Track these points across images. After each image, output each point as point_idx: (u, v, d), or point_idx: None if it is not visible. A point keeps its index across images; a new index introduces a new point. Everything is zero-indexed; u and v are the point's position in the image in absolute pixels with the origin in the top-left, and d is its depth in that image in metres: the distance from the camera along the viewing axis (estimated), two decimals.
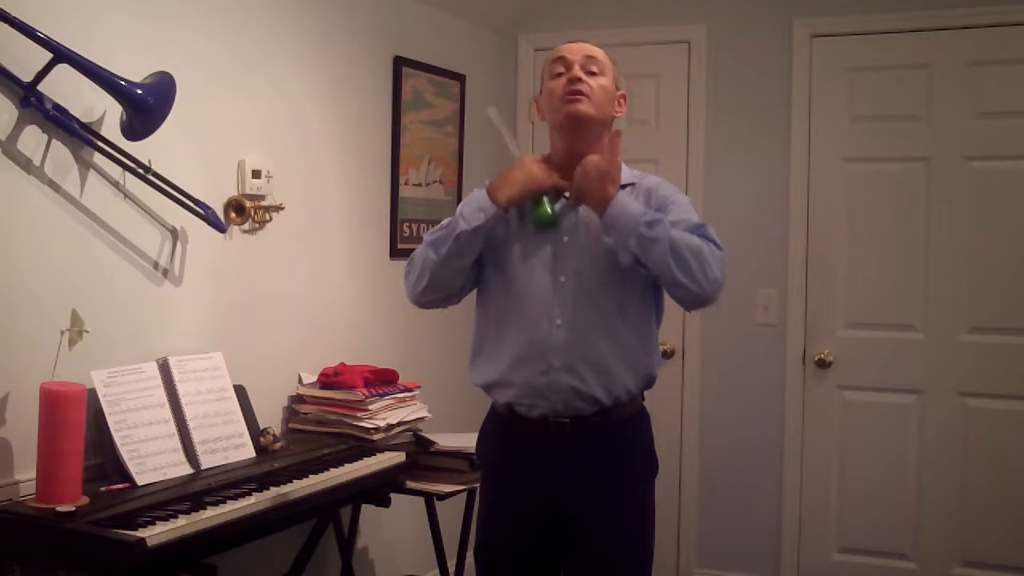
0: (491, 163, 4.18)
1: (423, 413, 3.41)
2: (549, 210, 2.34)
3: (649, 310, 2.40)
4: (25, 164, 2.43)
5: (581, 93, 2.33)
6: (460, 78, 4.17)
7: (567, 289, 2.33)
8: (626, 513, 2.38)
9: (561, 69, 2.37)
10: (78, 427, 2.36)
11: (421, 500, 3.26)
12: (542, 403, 2.34)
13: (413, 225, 3.91)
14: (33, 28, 2.34)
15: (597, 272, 2.33)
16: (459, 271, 2.36)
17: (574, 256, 2.34)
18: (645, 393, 2.47)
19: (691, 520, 4.27)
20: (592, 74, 2.36)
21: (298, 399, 3.31)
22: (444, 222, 2.37)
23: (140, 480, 2.52)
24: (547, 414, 2.34)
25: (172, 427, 2.68)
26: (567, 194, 2.38)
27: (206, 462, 2.71)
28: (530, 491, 2.38)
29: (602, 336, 2.32)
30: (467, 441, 3.03)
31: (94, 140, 2.56)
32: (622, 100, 2.45)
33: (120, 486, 2.49)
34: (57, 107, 2.46)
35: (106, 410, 2.52)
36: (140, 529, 2.20)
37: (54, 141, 2.49)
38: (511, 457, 2.43)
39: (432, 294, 2.39)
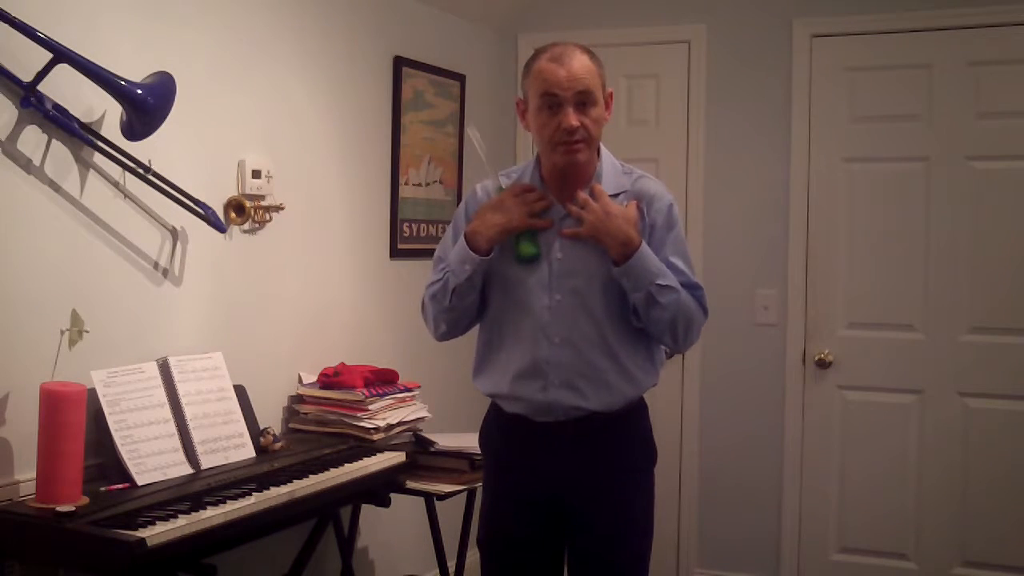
0: (491, 163, 4.17)
1: (423, 413, 3.41)
2: (532, 248, 2.34)
3: None
4: (25, 164, 2.43)
5: (579, 141, 2.28)
6: (460, 78, 4.16)
7: (563, 307, 2.33)
8: (627, 502, 2.40)
9: (552, 104, 2.27)
10: (78, 427, 2.35)
11: (421, 500, 3.26)
12: (541, 410, 2.37)
13: (413, 225, 3.91)
14: (33, 28, 2.34)
15: (592, 288, 2.33)
16: (468, 307, 2.41)
17: (568, 273, 2.34)
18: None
19: (691, 520, 4.27)
20: (584, 107, 2.27)
21: (298, 399, 3.31)
22: (440, 264, 2.41)
23: (140, 480, 2.52)
24: (546, 419, 2.37)
25: (172, 427, 2.68)
26: (563, 214, 2.37)
27: (206, 462, 2.71)
28: (532, 483, 2.40)
29: (600, 352, 2.33)
30: (467, 441, 3.03)
31: (94, 140, 2.56)
32: (610, 99, 2.38)
33: (120, 486, 2.48)
34: (57, 107, 2.46)
35: (106, 410, 2.52)
36: (140, 529, 2.20)
37: (54, 141, 2.49)
38: (513, 451, 2.45)
39: (455, 331, 2.47)
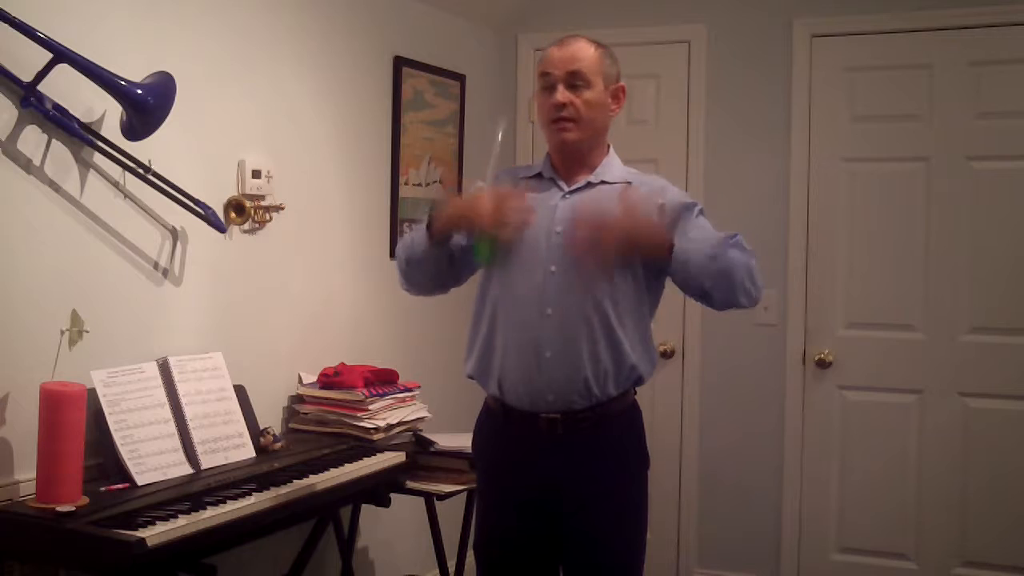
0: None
1: (423, 413, 3.41)
2: (486, 254, 2.34)
3: (642, 302, 2.40)
4: (25, 164, 2.43)
5: (567, 120, 2.34)
6: (460, 78, 4.16)
7: (557, 279, 2.34)
8: (620, 507, 2.40)
9: (547, 84, 2.36)
10: (78, 427, 2.36)
11: (421, 500, 3.26)
12: (532, 392, 2.34)
13: (413, 225, 3.90)
14: (33, 28, 2.34)
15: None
16: (429, 274, 2.44)
17: (566, 247, 2.34)
18: (643, 389, 2.47)
19: (691, 520, 4.27)
20: (576, 88, 2.34)
21: (298, 399, 3.31)
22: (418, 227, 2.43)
23: (140, 480, 2.52)
24: (538, 406, 2.35)
25: (172, 427, 2.68)
26: (567, 189, 2.41)
27: (206, 462, 2.71)
28: (525, 487, 2.40)
29: (593, 327, 2.32)
30: (467, 441, 3.01)
31: (94, 140, 2.56)
32: (620, 93, 2.43)
33: (120, 486, 2.48)
34: (57, 107, 2.46)
35: (106, 410, 2.52)
36: (140, 529, 2.20)
37: (54, 141, 2.49)
38: (504, 454, 2.45)
39: (415, 289, 2.52)
